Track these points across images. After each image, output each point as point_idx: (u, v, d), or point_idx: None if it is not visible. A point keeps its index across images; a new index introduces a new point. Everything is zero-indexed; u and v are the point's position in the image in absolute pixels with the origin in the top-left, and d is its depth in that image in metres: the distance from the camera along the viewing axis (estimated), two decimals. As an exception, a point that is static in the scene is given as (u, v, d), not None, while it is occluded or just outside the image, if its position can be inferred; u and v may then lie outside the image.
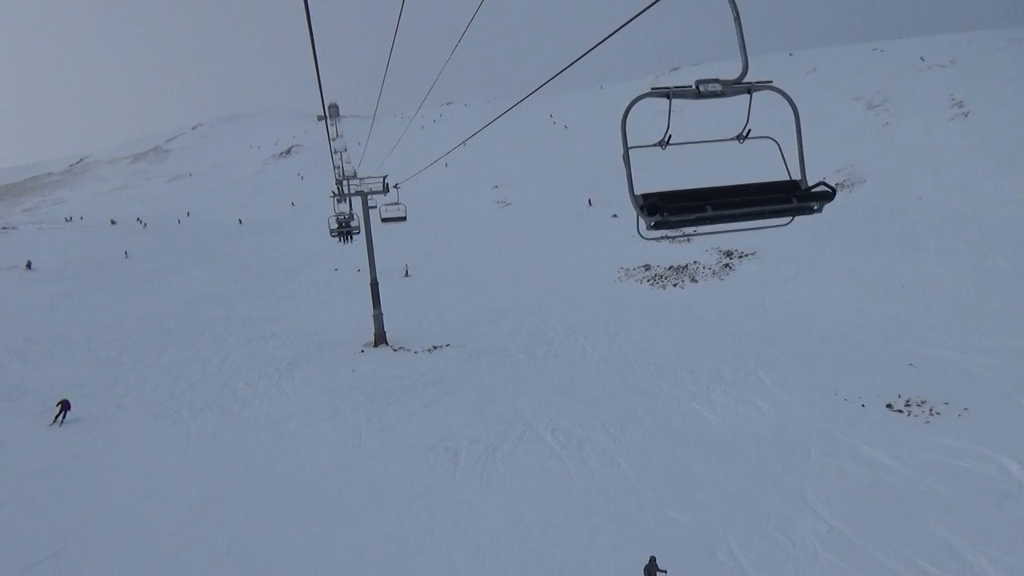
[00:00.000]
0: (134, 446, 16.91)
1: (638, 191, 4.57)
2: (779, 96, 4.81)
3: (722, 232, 6.10)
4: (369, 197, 28.09)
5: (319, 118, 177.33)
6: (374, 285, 26.94)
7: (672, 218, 4.35)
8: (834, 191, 4.45)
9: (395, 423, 17.89)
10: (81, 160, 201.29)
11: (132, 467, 15.73)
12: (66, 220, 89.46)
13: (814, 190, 4.55)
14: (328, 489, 14.17)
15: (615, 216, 52.40)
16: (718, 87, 4.52)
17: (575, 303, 32.37)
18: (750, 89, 4.59)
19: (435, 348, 25.53)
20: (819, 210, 4.57)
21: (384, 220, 25.49)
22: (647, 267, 36.59)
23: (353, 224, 27.63)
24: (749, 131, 4.93)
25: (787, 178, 4.78)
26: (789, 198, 4.54)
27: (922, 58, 76.63)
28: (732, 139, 5.25)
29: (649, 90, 4.52)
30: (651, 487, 13.81)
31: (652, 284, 33.95)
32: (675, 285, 33.10)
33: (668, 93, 4.48)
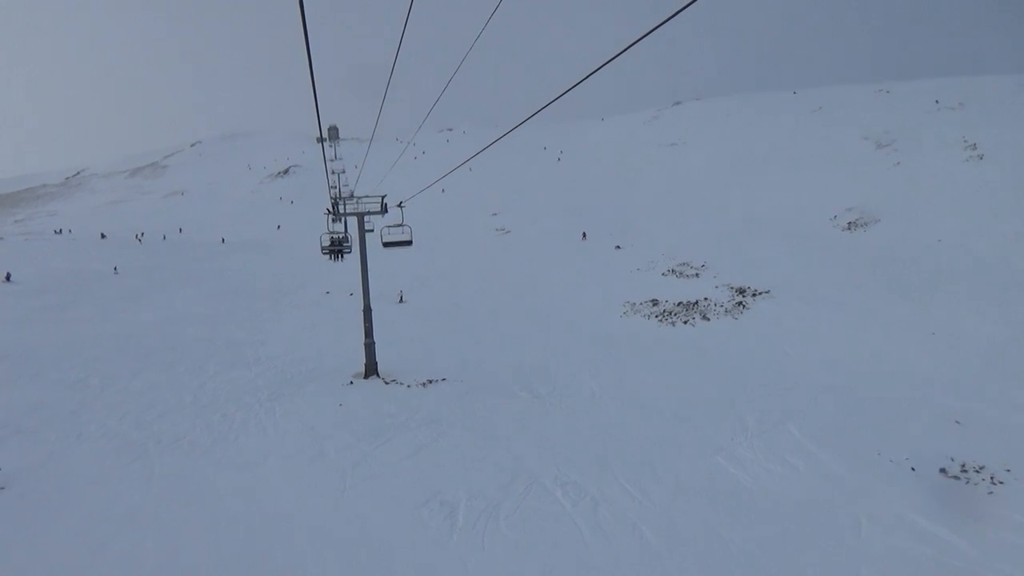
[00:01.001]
0: (86, 487, 14.84)
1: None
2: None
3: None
4: (366, 219, 26.39)
5: (318, 140, 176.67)
6: (367, 312, 25.07)
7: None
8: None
9: (384, 469, 15.90)
10: (78, 173, 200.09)
11: (80, 513, 13.69)
12: (55, 232, 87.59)
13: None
14: (303, 553, 12.15)
15: (618, 248, 50.83)
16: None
17: (580, 338, 30.55)
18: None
19: (430, 382, 23.59)
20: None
21: (386, 245, 24.04)
22: (655, 302, 34.85)
23: (346, 244, 27.01)
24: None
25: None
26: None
27: (937, 101, 75.93)
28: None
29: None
30: (680, 561, 11.87)
31: (661, 320, 32.16)
32: (686, 322, 31.32)
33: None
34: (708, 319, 31.28)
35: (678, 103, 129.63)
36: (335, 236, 27.02)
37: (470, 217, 77.81)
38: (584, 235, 55.99)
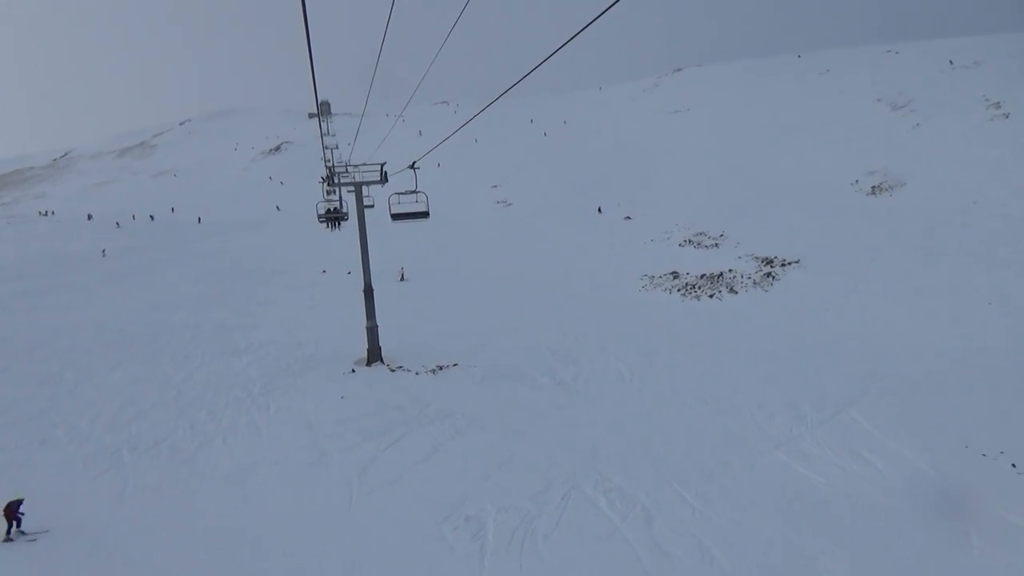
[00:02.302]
0: (44, 509, 12.58)
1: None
2: None
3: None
4: (365, 194, 24.00)
5: (310, 115, 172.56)
6: (368, 292, 22.75)
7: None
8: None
9: (396, 476, 13.70)
10: (65, 154, 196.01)
11: (34, 549, 11.49)
12: (40, 214, 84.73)
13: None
14: (304, 591, 9.99)
15: (628, 218, 48.41)
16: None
17: (598, 314, 28.28)
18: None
19: (440, 368, 21.34)
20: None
21: (396, 218, 20.74)
22: (675, 275, 32.52)
23: (342, 212, 27.01)
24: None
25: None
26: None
27: (951, 61, 73.06)
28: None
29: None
30: (764, 591, 9.73)
31: (684, 294, 29.87)
32: (711, 296, 29.04)
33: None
34: (735, 292, 29.01)
35: (678, 70, 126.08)
36: (331, 205, 26.74)
37: (469, 190, 75.03)
38: (600, 210, 52.94)
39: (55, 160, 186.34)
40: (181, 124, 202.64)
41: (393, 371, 21.32)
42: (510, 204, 63.95)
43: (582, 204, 56.55)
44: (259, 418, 17.11)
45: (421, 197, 19.67)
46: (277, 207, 78.42)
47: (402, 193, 20.00)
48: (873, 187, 43.07)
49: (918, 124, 54.54)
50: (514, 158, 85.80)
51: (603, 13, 5.88)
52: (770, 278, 29.56)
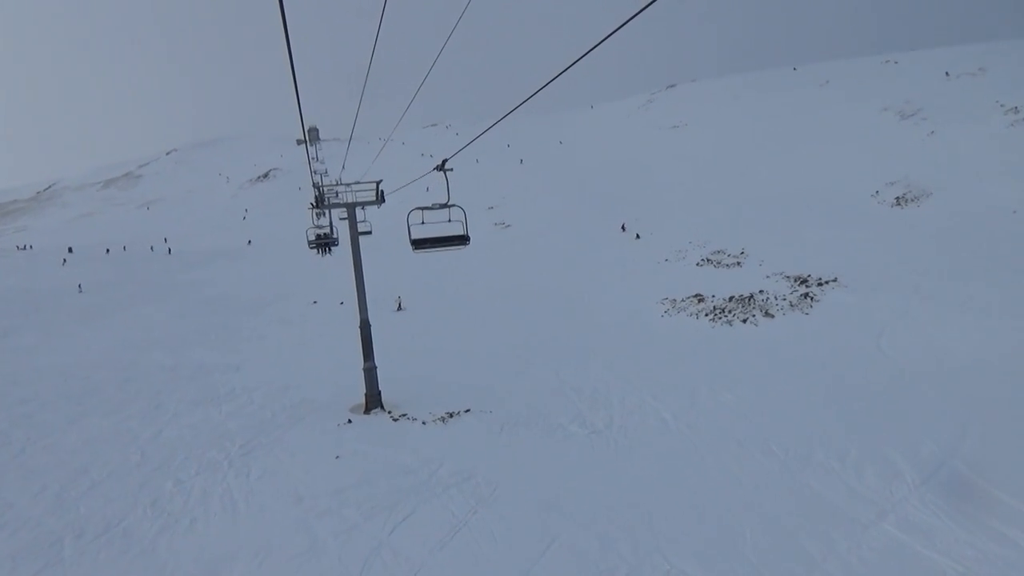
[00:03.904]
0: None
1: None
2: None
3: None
4: (360, 220, 21.28)
5: (299, 142, 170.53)
6: (365, 328, 19.82)
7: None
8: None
9: (409, 571, 10.72)
10: (49, 187, 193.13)
11: None
12: (18, 248, 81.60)
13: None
14: None
15: (638, 237, 45.78)
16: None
17: (620, 344, 25.47)
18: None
19: (450, 416, 18.40)
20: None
21: (420, 245, 14.15)
22: (700, 298, 29.74)
23: (332, 237, 26.87)
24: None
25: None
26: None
27: (947, 72, 71.28)
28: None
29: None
30: None
31: (713, 320, 27.05)
32: (745, 321, 26.22)
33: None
34: (771, 316, 26.20)
35: (672, 86, 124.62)
36: (321, 231, 26.63)
37: (467, 212, 72.46)
38: (624, 227, 49.76)
39: (39, 193, 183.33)
40: (168, 154, 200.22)
41: (396, 420, 18.36)
42: (508, 226, 61.39)
43: (585, 224, 54.00)
44: (237, 489, 14.09)
45: (456, 213, 13.01)
46: (248, 241, 75.18)
47: (428, 208, 13.09)
48: (897, 198, 40.62)
49: (932, 132, 52.39)
50: (509, 179, 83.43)
51: (609, 35, 5.59)
52: (808, 299, 26.78)
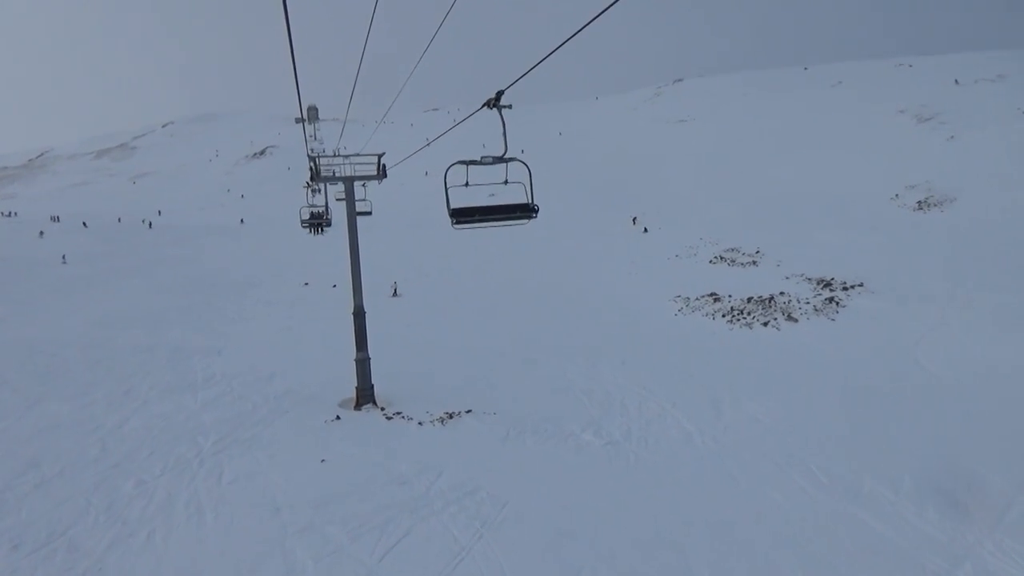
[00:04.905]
0: None
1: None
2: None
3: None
4: (359, 199, 19.45)
5: (297, 120, 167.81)
6: (359, 316, 17.98)
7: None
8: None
9: (403, 610, 8.97)
10: (41, 155, 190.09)
11: None
12: (3, 215, 79.32)
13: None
14: None
15: (646, 231, 44.02)
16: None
17: (631, 343, 23.75)
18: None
19: (450, 416, 16.63)
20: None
21: (462, 217, 9.21)
22: (715, 297, 28.02)
23: (325, 217, 25.82)
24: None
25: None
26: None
27: (957, 80, 69.64)
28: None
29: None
30: None
31: (731, 321, 25.33)
32: (765, 324, 24.51)
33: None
34: (794, 320, 24.50)
35: (679, 80, 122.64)
36: (315, 210, 25.61)
37: (464, 200, 70.58)
38: (635, 220, 47.85)
39: (30, 160, 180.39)
40: (163, 126, 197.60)
41: (390, 419, 16.59)
42: (510, 214, 59.47)
43: (590, 217, 52.18)
44: (205, 494, 12.29)
45: (517, 171, 8.96)
46: (241, 220, 73.05)
47: (475, 162, 8.74)
48: (919, 202, 38.97)
49: (952, 136, 50.73)
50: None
51: (590, 21, 5.52)
52: (834, 304, 25.09)
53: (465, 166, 8.67)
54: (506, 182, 9.10)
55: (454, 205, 8.95)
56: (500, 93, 7.30)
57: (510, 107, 7.89)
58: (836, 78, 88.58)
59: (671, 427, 15.91)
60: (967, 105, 58.46)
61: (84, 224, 64.58)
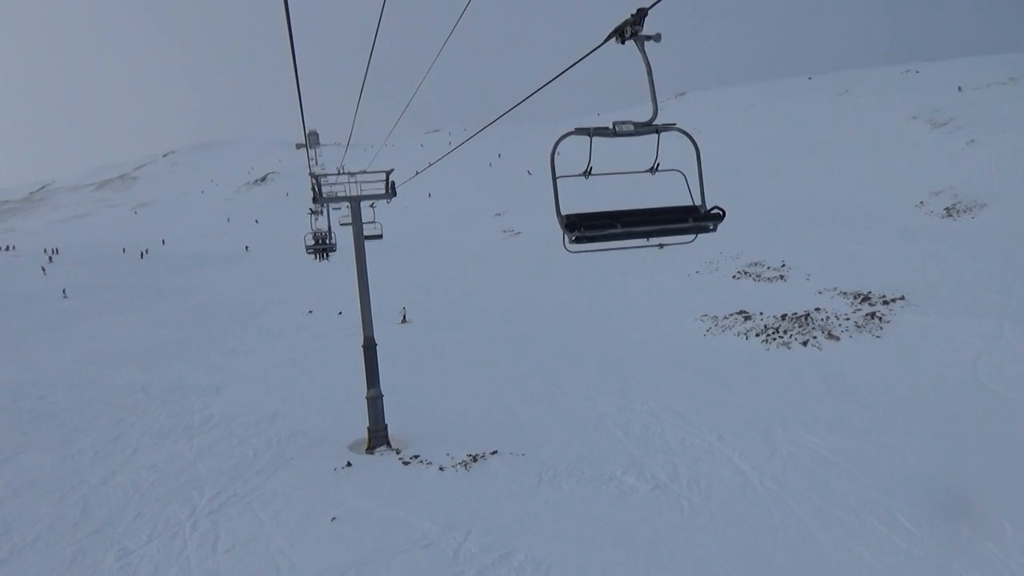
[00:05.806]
0: None
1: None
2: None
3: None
4: (369, 220, 17.90)
5: (298, 146, 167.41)
6: (370, 348, 16.33)
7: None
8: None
9: None
10: (42, 187, 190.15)
11: None
12: (3, 249, 78.25)
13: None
14: None
15: (661, 247, 42.35)
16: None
17: (661, 368, 22.04)
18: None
19: (473, 459, 14.90)
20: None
21: (583, 235, 4.72)
22: (745, 315, 26.33)
23: (329, 242, 24.97)
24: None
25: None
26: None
27: (960, 87, 68.34)
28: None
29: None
30: None
31: (766, 341, 23.63)
32: (805, 343, 22.79)
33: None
34: (836, 338, 22.77)
35: (682, 94, 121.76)
36: (319, 234, 24.79)
37: (470, 219, 69.24)
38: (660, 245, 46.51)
39: (31, 193, 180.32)
40: (164, 156, 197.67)
41: (407, 463, 14.88)
42: (519, 233, 58.02)
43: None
44: (197, 566, 10.58)
45: (674, 150, 6.28)
46: (246, 247, 71.72)
47: (601, 131, 4.78)
48: (947, 209, 37.35)
49: (972, 141, 49.21)
50: (517, 185, 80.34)
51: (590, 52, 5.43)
52: (876, 319, 23.37)
53: (588, 136, 4.78)
54: (654, 169, 5.24)
55: (568, 210, 4.79)
56: (642, 13, 4.44)
57: (658, 38, 4.55)
58: (842, 86, 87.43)
59: (722, 466, 14.17)
60: (981, 109, 57.05)
61: (123, 251, 64.07)
